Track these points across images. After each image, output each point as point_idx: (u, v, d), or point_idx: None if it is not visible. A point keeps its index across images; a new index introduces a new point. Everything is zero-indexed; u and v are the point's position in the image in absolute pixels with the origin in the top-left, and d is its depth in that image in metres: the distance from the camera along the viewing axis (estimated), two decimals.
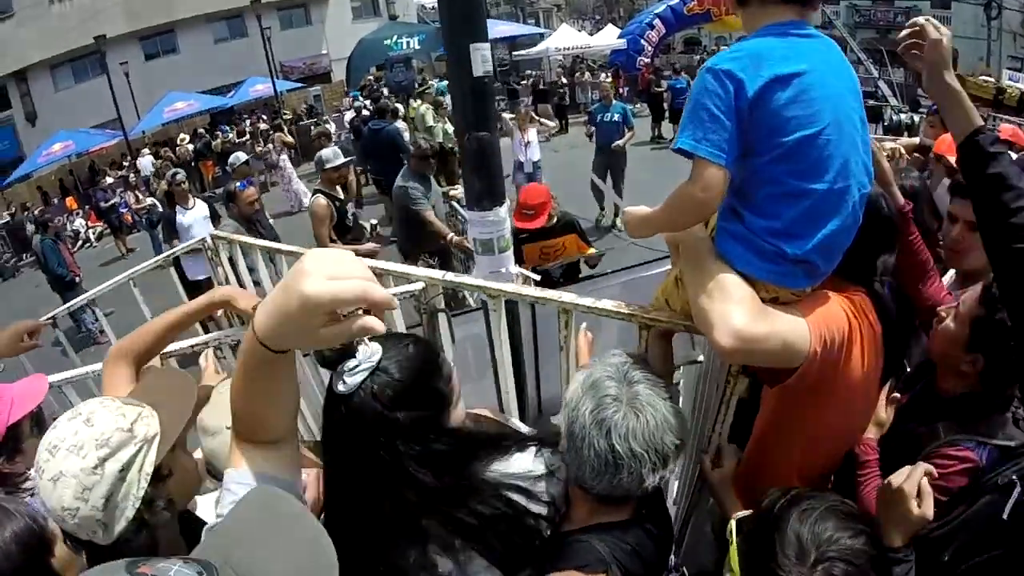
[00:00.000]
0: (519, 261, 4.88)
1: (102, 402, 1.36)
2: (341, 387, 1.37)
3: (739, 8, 1.62)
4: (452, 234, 6.29)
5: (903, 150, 4.43)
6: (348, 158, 6.74)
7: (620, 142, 10.33)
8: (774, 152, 1.49)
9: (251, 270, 4.18)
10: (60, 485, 1.23)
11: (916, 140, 4.46)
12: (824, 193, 1.51)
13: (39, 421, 2.08)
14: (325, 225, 5.81)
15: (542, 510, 1.58)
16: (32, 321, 2.94)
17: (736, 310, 1.50)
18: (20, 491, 1.96)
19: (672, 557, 1.78)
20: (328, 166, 6.19)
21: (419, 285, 2.42)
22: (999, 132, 5.37)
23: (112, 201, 15.33)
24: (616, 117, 10.51)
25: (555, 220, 5.26)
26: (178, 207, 7.70)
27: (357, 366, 1.37)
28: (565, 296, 2.09)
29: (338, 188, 6.33)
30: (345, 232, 6.01)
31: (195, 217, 7.64)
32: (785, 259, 1.55)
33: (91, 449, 1.25)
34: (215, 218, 7.78)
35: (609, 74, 24.33)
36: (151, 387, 1.51)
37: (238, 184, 6.53)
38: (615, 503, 1.60)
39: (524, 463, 1.63)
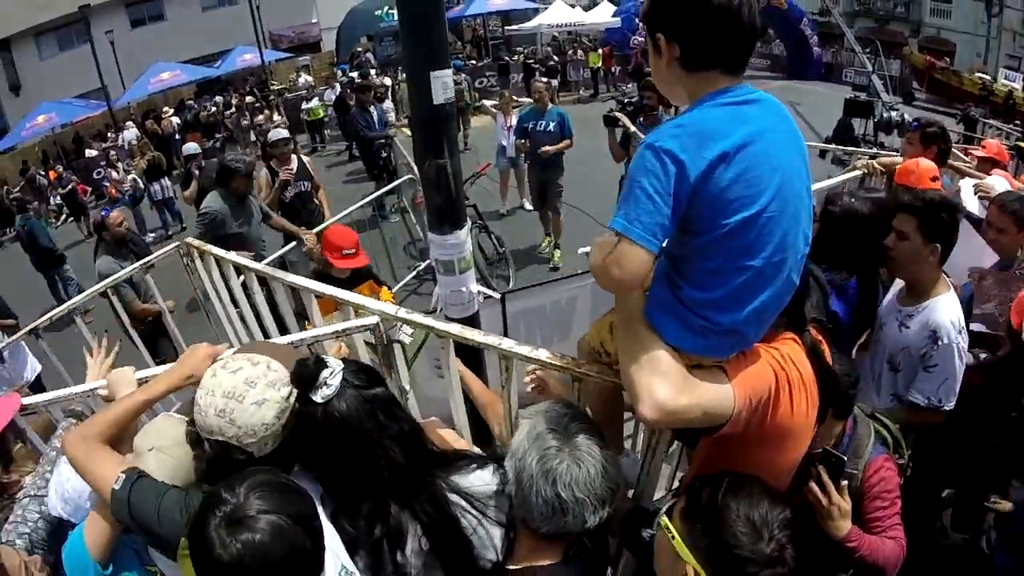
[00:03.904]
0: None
1: (264, 356, 1.76)
2: (320, 396, 1.65)
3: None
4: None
5: (877, 165, 4.45)
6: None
7: (550, 148, 8.27)
8: (714, 233, 1.47)
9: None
10: (265, 407, 1.66)
11: (897, 158, 4.47)
12: (760, 268, 1.51)
13: (19, 432, 2.35)
14: None
15: (492, 535, 1.77)
16: None
17: (660, 384, 1.53)
18: (15, 502, 2.14)
19: None
20: None
21: (374, 319, 2.45)
22: (983, 148, 5.39)
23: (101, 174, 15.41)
24: (552, 126, 8.37)
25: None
26: None
27: (332, 372, 1.67)
28: (504, 343, 2.16)
29: None
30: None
31: None
32: (714, 332, 1.57)
33: (282, 385, 1.71)
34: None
35: (601, 52, 24.12)
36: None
37: (102, 212, 6.17)
38: (557, 539, 1.74)
39: (483, 477, 1.83)
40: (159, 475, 1.77)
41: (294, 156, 6.98)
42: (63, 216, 17.05)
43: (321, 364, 1.69)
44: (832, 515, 2.06)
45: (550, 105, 8.76)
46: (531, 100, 9.20)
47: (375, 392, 1.73)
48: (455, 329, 2.29)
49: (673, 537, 1.51)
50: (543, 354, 2.06)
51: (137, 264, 4.65)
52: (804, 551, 1.46)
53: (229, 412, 1.65)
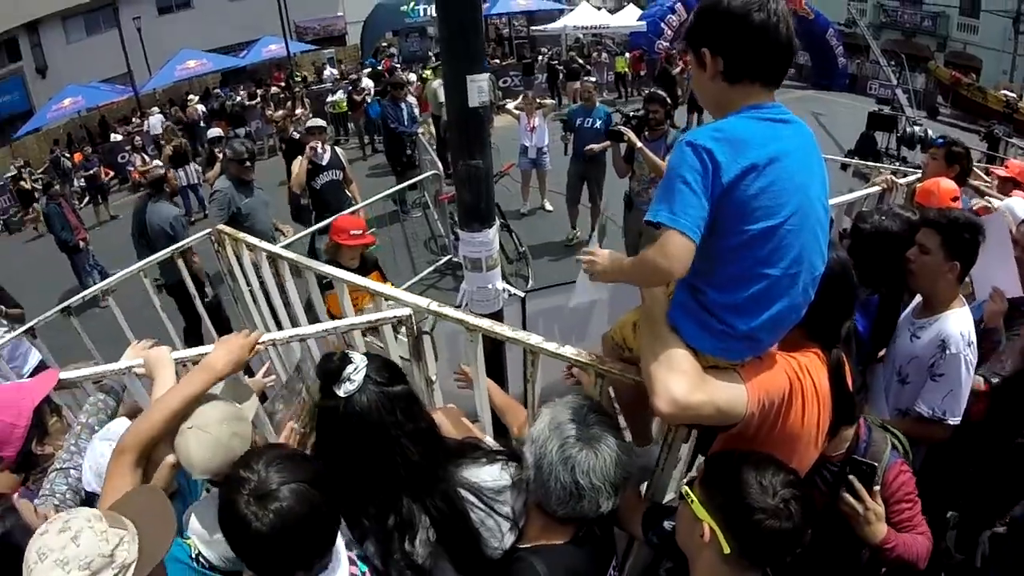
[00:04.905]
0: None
1: (90, 521, 1.46)
2: (344, 391, 1.73)
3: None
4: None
5: (895, 180, 4.49)
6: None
7: (595, 146, 8.39)
8: (738, 238, 1.56)
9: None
10: None
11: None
12: (778, 278, 1.60)
13: (54, 407, 2.39)
14: None
15: (500, 526, 1.88)
16: None
17: (677, 380, 1.63)
18: (46, 475, 2.19)
19: (612, 571, 1.99)
20: None
21: (407, 311, 2.55)
22: (1006, 167, 5.40)
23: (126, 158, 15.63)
24: (598, 124, 8.53)
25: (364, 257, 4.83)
26: None
27: (356, 368, 1.74)
28: (532, 339, 2.26)
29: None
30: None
31: None
32: (732, 336, 1.66)
33: (74, 568, 1.38)
34: None
35: (626, 56, 24.10)
36: (140, 508, 1.60)
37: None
38: (570, 522, 1.87)
39: (492, 472, 1.94)
40: (198, 454, 1.81)
41: (328, 145, 7.37)
42: (85, 199, 17.26)
43: (346, 359, 1.77)
44: (869, 520, 2.12)
45: (597, 103, 9.00)
46: (553, 102, 9.53)
47: (396, 390, 1.80)
48: (486, 324, 2.39)
49: (692, 501, 1.64)
50: (569, 351, 2.15)
51: (169, 249, 4.77)
52: (810, 512, 1.60)
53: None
